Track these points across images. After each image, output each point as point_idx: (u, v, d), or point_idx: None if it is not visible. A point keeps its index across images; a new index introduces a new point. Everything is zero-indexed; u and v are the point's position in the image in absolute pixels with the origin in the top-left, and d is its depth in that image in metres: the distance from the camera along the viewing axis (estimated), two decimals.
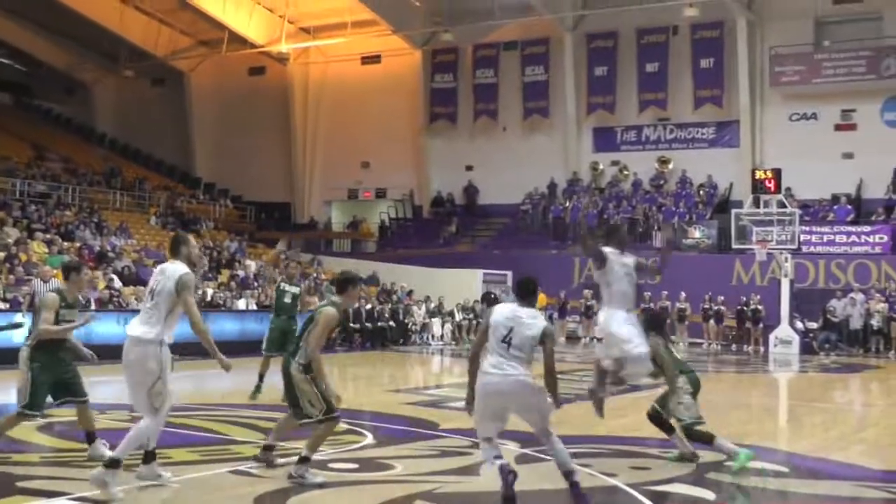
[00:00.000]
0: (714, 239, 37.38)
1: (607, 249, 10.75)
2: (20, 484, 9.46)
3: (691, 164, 40.71)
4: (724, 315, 35.11)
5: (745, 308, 34.48)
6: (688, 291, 35.22)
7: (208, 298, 29.62)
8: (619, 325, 10.49)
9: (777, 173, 33.09)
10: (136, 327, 9.33)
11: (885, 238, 35.05)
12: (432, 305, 36.30)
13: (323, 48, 46.87)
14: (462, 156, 45.21)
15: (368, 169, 47.38)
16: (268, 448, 10.32)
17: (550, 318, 37.41)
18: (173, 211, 42.40)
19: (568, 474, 9.07)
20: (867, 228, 35.75)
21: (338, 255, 43.88)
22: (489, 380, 8.90)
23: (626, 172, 42.50)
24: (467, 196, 45.25)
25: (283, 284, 17.23)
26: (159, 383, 9.17)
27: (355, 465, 10.69)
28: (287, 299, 16.61)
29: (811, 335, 33.36)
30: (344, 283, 10.26)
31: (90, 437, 10.63)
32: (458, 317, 36.13)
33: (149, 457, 9.56)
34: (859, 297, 33.18)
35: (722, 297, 35.00)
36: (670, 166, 41.58)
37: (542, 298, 36.98)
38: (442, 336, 35.41)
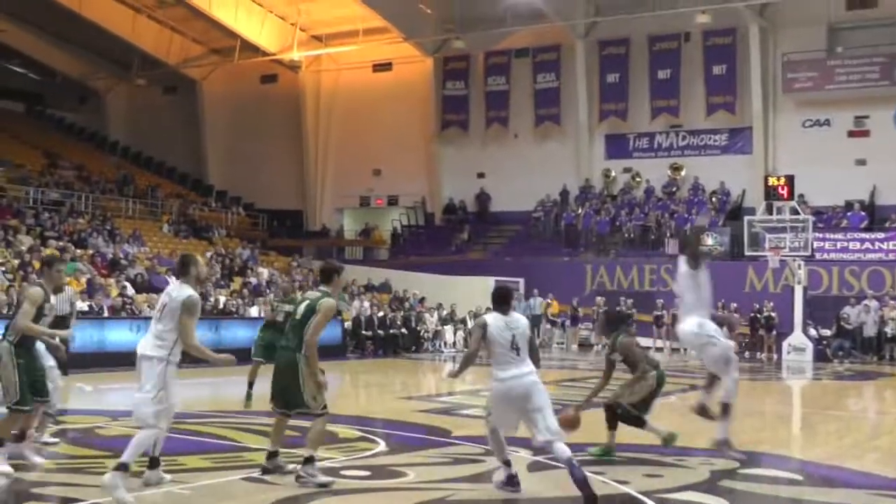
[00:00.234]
0: (727, 246, 37.27)
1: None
2: (35, 490, 9.49)
3: (704, 170, 40.61)
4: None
5: (758, 315, 34.40)
6: None
7: (221, 306, 29.66)
8: (714, 328, 10.90)
9: (790, 180, 32.99)
10: (145, 344, 9.49)
11: None
12: (444, 313, 36.29)
13: (334, 56, 46.91)
14: (474, 163, 45.19)
15: (380, 176, 47.38)
16: (272, 455, 10.30)
17: (563, 325, 37.49)
18: (186, 218, 42.46)
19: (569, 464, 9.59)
20: (881, 235, 35.64)
21: (350, 262, 43.80)
22: (512, 384, 9.62)
23: (638, 179, 42.44)
24: (479, 203, 45.22)
25: (276, 303, 17.27)
26: (161, 393, 9.27)
27: (368, 473, 10.67)
28: (280, 318, 16.60)
29: (825, 342, 33.25)
30: (330, 273, 10.44)
31: (20, 437, 10.30)
32: (471, 324, 36.05)
33: (154, 462, 9.77)
34: (873, 304, 33.08)
35: (735, 305, 34.88)
36: (683, 173, 41.50)
37: (554, 306, 37.04)
38: (454, 343, 35.38)
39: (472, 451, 12.03)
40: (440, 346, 34.96)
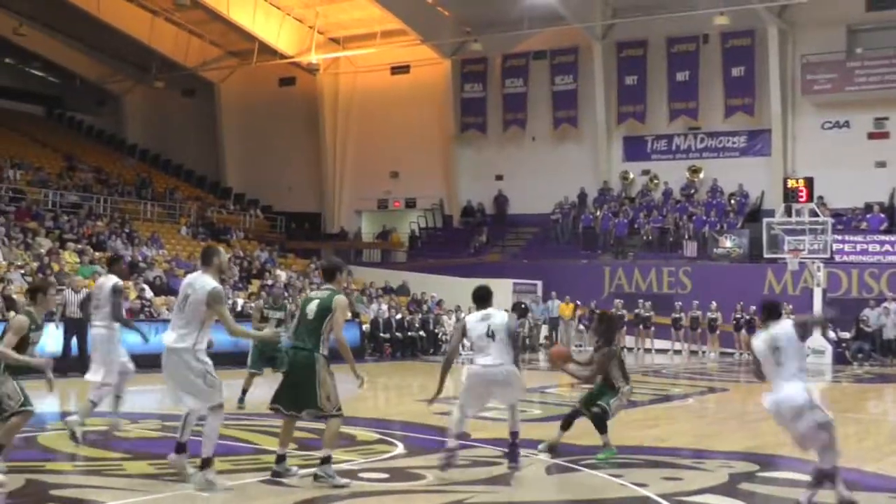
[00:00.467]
0: (745, 248, 37.18)
1: None
2: (54, 492, 9.53)
3: (722, 172, 40.50)
4: (755, 325, 34.86)
5: None
6: (719, 301, 35.09)
7: (238, 308, 29.69)
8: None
9: (809, 182, 32.86)
10: (171, 337, 9.72)
11: None
12: (462, 315, 36.19)
13: (352, 58, 46.97)
14: (492, 165, 45.17)
15: (398, 179, 47.41)
16: (280, 459, 10.28)
17: (586, 327, 37.42)
18: (204, 221, 42.56)
19: (513, 434, 11.18)
20: None
21: (368, 265, 43.91)
22: (490, 370, 11.00)
23: (656, 182, 42.35)
24: (497, 206, 45.18)
25: (266, 310, 17.34)
26: (209, 377, 9.64)
27: (386, 475, 10.67)
28: (274, 325, 16.66)
29: (844, 345, 33.11)
30: (333, 271, 10.65)
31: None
32: None
33: (180, 448, 9.93)
34: (893, 306, 32.92)
35: (754, 307, 34.77)
36: (701, 175, 41.40)
37: (570, 308, 36.97)
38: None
39: (489, 453, 12.02)
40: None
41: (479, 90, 45.34)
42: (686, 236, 38.96)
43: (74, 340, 21.73)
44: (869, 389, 25.57)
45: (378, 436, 13.27)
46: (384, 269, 42.35)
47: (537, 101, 44.03)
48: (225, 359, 16.70)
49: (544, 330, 38.16)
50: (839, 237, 34.90)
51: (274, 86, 49.49)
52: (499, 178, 45.08)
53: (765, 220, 34.63)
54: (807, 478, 11.16)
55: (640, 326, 36.51)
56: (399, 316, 33.27)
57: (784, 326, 9.37)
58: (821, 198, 35.53)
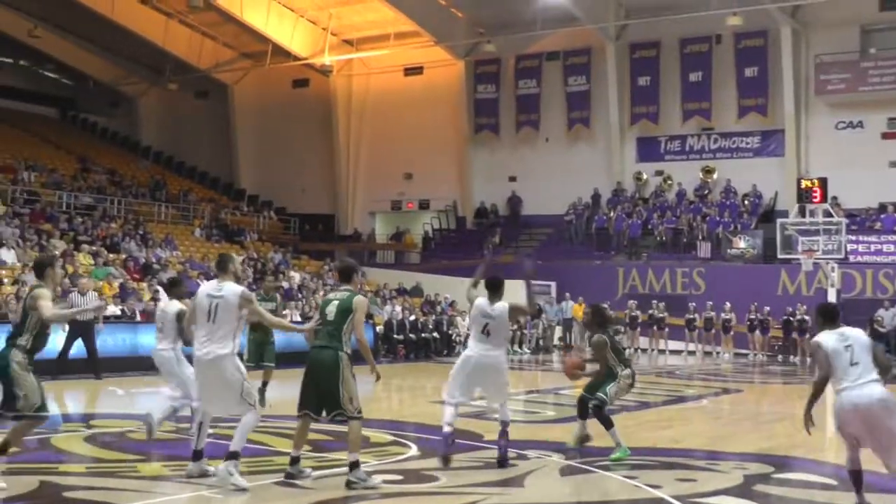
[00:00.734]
0: (759, 249, 37.10)
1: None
2: (67, 494, 9.54)
3: (736, 173, 40.41)
4: (769, 325, 34.89)
5: (791, 318, 34.23)
6: (733, 302, 35.04)
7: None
8: None
9: (823, 182, 32.75)
10: (205, 349, 9.87)
11: None
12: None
13: (366, 60, 47.00)
14: (505, 166, 45.15)
15: (411, 180, 47.40)
16: (294, 461, 10.30)
17: None
18: (218, 223, 42.62)
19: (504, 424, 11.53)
20: None
21: (381, 266, 43.92)
22: (479, 358, 11.51)
23: (669, 182, 42.28)
24: (510, 207, 45.15)
25: (259, 301, 17.26)
26: (246, 384, 9.87)
27: (399, 477, 10.68)
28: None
29: (868, 337, 32.95)
30: (350, 271, 10.82)
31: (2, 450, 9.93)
32: None
33: (197, 455, 10.13)
34: None
35: (768, 308, 34.78)
36: (715, 176, 41.31)
37: (576, 309, 36.91)
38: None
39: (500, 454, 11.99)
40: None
41: (493, 91, 45.32)
42: (700, 237, 38.89)
43: (80, 342, 21.78)
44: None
45: (392, 437, 13.28)
46: (398, 270, 42.36)
47: (550, 102, 43.99)
48: (280, 357, 16.87)
49: (558, 331, 38.17)
50: (853, 237, 34.80)
51: (287, 87, 49.55)
52: (512, 179, 45.05)
53: (778, 220, 34.54)
54: (822, 479, 11.15)
55: (654, 327, 36.47)
56: (413, 317, 33.29)
57: (850, 328, 9.42)
58: (835, 198, 35.43)
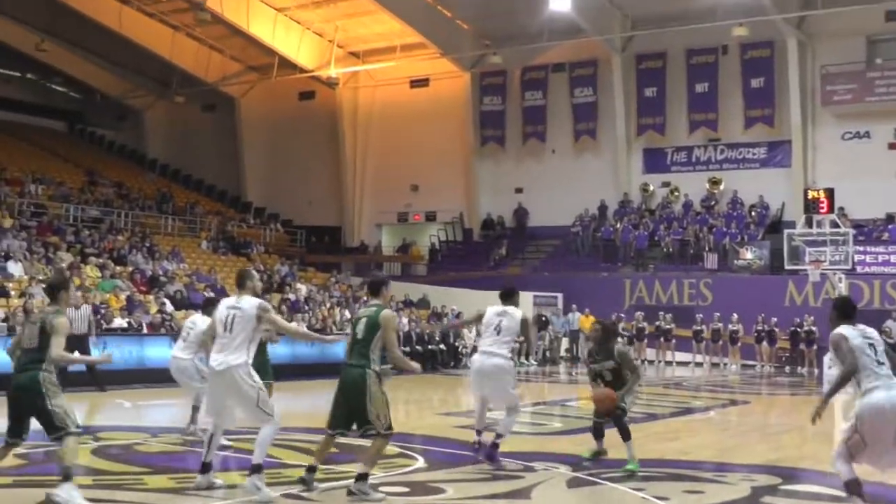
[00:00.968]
0: (766, 260, 37.07)
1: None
2: None
3: (742, 184, 40.39)
4: (777, 336, 34.84)
5: (798, 329, 34.18)
6: (740, 313, 35.00)
7: None
8: None
9: (830, 193, 32.66)
10: (219, 358, 9.96)
11: None
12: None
13: (372, 72, 47.08)
14: (511, 178, 45.17)
15: (418, 192, 47.43)
16: (311, 470, 10.25)
17: None
18: (224, 235, 42.64)
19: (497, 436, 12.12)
20: None
21: (388, 278, 43.87)
22: (483, 359, 12.23)
23: (676, 193, 42.25)
24: (517, 218, 45.16)
25: None
26: (262, 394, 9.91)
27: (406, 489, 10.65)
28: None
29: (885, 341, 32.86)
30: (379, 286, 10.82)
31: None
32: None
33: (205, 467, 10.14)
34: None
35: (775, 319, 34.74)
36: (721, 187, 41.28)
37: (591, 321, 36.87)
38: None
39: (510, 466, 11.98)
40: None
41: (499, 103, 45.35)
42: (706, 248, 38.85)
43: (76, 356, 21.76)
44: None
45: (398, 449, 13.23)
46: (404, 282, 42.34)
47: (557, 114, 44.01)
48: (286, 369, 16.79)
49: (565, 343, 38.14)
50: (860, 248, 34.75)
51: (294, 100, 49.64)
52: (518, 190, 45.06)
53: (785, 231, 34.45)
54: (830, 491, 11.11)
55: (661, 339, 36.44)
56: (419, 329, 33.28)
57: (867, 327, 9.22)
58: (842, 209, 35.38)
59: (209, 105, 52.02)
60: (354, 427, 10.12)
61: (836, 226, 32.77)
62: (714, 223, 39.82)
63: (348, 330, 17.13)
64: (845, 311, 9.35)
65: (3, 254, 29.56)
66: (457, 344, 34.22)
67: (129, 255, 34.07)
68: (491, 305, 12.67)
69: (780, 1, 37.25)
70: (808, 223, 32.85)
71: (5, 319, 23.68)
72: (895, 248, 35.54)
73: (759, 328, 34.78)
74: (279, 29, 44.34)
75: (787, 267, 33.75)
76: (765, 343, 34.79)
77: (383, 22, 42.62)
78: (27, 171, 40.50)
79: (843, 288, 32.17)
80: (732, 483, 11.49)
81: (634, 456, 11.93)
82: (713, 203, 41.20)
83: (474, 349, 34.85)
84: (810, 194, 33.22)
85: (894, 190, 37.23)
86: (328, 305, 34.73)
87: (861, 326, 9.11)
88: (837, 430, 9.02)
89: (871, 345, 8.92)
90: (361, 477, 9.93)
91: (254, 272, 10.76)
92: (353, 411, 10.04)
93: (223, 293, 32.27)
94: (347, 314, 34.23)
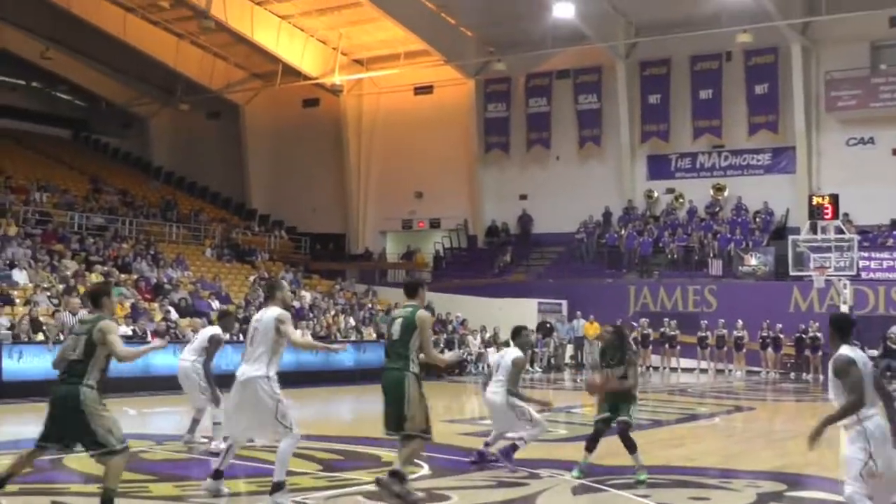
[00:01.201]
0: (771, 266, 37.02)
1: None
2: None
3: (747, 190, 40.37)
4: (782, 343, 34.80)
5: (803, 336, 34.14)
6: (745, 319, 34.97)
7: None
8: None
9: (834, 199, 32.68)
10: (243, 369, 10.05)
11: None
12: (487, 335, 36.21)
13: (376, 79, 47.10)
14: (516, 185, 45.16)
15: (422, 199, 47.42)
16: (393, 474, 10.11)
17: None
18: (229, 243, 42.67)
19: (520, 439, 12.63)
20: None
21: (393, 285, 43.87)
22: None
23: (681, 200, 42.22)
24: (521, 225, 45.14)
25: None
26: (281, 405, 9.83)
27: None
28: None
29: (872, 362, 32.79)
30: (415, 287, 10.75)
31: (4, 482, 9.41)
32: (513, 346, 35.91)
33: (217, 474, 10.17)
34: None
35: (780, 325, 34.69)
36: (726, 193, 41.26)
37: (595, 327, 36.87)
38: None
39: (515, 473, 11.97)
40: (483, 368, 34.86)
41: (503, 110, 45.36)
42: (711, 254, 38.82)
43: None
44: None
45: None
46: None
47: (561, 121, 44.01)
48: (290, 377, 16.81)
49: (569, 349, 38.12)
50: (865, 254, 34.70)
51: (298, 107, 49.68)
52: (523, 197, 45.04)
53: (790, 237, 34.47)
54: (836, 497, 11.08)
55: (666, 345, 36.40)
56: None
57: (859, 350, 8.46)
58: (846, 215, 35.36)
59: (214, 112, 52.07)
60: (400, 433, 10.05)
61: (841, 232, 32.77)
62: (718, 229, 39.79)
63: (353, 336, 17.13)
64: (845, 329, 8.52)
65: (7, 262, 29.60)
66: (461, 351, 34.20)
67: (134, 263, 34.10)
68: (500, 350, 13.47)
69: (784, 7, 37.25)
70: (813, 229, 32.86)
71: (11, 327, 23.70)
72: None
73: (764, 334, 34.74)
74: (283, 36, 44.40)
75: (791, 273, 33.77)
76: (770, 349, 34.76)
77: (387, 29, 42.65)
78: (32, 179, 40.56)
79: (847, 294, 32.17)
80: (738, 489, 11.49)
81: (643, 465, 11.88)
82: (717, 209, 41.18)
83: (479, 356, 35.09)
84: (815, 200, 33.24)
85: None
86: (333, 313, 34.73)
87: (858, 347, 8.44)
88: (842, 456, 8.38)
89: (867, 373, 8.30)
90: (393, 474, 9.84)
91: (283, 283, 10.78)
92: (392, 414, 10.04)
93: (227, 300, 32.33)
94: (352, 321, 34.27)
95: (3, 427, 17.96)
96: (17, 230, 33.20)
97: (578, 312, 37.56)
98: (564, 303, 38.77)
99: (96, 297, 9.57)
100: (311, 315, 33.44)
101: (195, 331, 22.26)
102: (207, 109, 51.53)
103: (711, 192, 41.47)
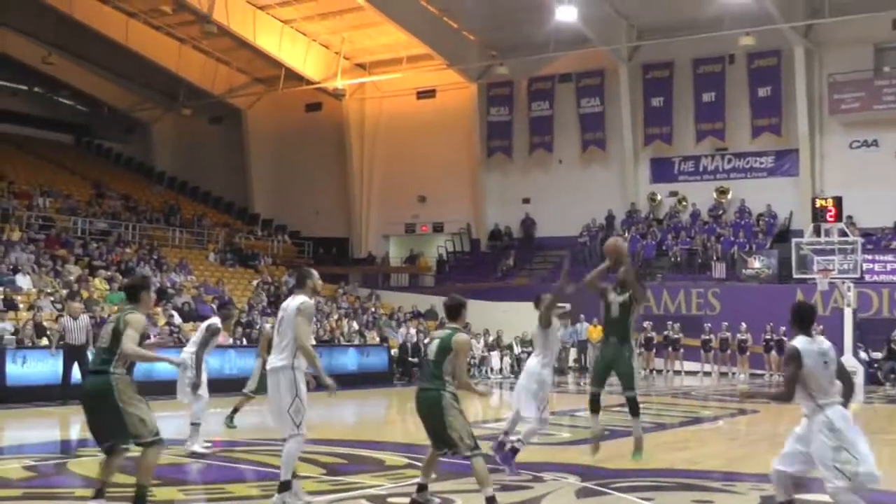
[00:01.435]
0: (774, 269, 36.98)
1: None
2: None
3: (750, 193, 40.34)
4: (785, 346, 34.60)
5: None
6: (748, 322, 34.93)
7: (266, 332, 29.73)
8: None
9: (838, 201, 32.64)
10: (271, 360, 9.94)
11: None
12: (491, 339, 36.21)
13: (378, 83, 47.12)
14: (518, 189, 45.16)
15: (425, 203, 47.42)
16: (422, 488, 10.12)
17: None
18: (232, 247, 42.68)
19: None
20: None
21: (396, 289, 43.95)
22: None
23: (684, 203, 42.21)
24: (524, 229, 45.15)
25: (269, 329, 16.88)
26: (297, 401, 9.68)
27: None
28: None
29: (876, 365, 32.86)
30: (457, 309, 10.39)
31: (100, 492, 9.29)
32: (517, 350, 36.00)
33: (284, 486, 9.82)
34: None
35: (783, 328, 34.55)
36: (729, 196, 41.23)
37: (599, 330, 36.81)
38: (501, 369, 35.31)
39: (519, 477, 11.94)
40: (486, 372, 34.87)
41: (506, 114, 45.37)
42: (714, 257, 38.80)
43: (76, 367, 21.72)
44: None
45: (407, 460, 13.23)
46: (412, 293, 42.37)
47: (564, 124, 44.01)
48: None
49: (573, 353, 38.09)
50: (869, 257, 34.67)
51: (300, 112, 49.71)
52: (526, 201, 45.05)
53: (794, 240, 34.45)
54: None
55: (670, 349, 36.40)
56: (427, 340, 33.18)
57: (824, 340, 8.50)
58: (850, 217, 35.32)
59: (216, 117, 52.11)
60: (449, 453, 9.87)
61: (845, 234, 32.73)
62: (722, 232, 39.78)
63: (356, 340, 17.10)
64: (804, 319, 8.50)
65: (11, 267, 29.61)
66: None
67: (137, 268, 34.08)
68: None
69: (787, 9, 37.24)
70: (817, 232, 32.83)
71: (14, 332, 23.70)
72: None
73: (768, 337, 34.69)
74: (285, 41, 44.43)
75: (795, 276, 33.71)
76: (773, 352, 34.68)
77: (389, 33, 42.67)
78: (35, 185, 40.58)
79: (851, 297, 32.13)
80: (741, 493, 11.46)
81: (641, 439, 12.18)
82: (721, 212, 41.16)
83: (482, 359, 35.10)
84: (818, 203, 33.19)
85: None
86: (336, 317, 34.71)
87: (819, 340, 8.44)
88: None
89: (825, 363, 8.29)
90: (490, 501, 9.56)
91: (313, 271, 10.42)
92: (436, 434, 9.82)
93: (230, 304, 32.30)
94: (355, 325, 34.25)
95: (7, 432, 17.96)
96: (21, 235, 33.24)
97: (582, 316, 37.50)
98: (567, 306, 38.61)
99: (135, 291, 9.43)
100: (314, 319, 33.38)
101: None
102: (210, 114, 51.57)
103: (715, 194, 41.46)
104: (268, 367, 9.94)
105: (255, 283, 37.63)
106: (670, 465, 13.32)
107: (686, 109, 41.56)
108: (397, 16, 40.99)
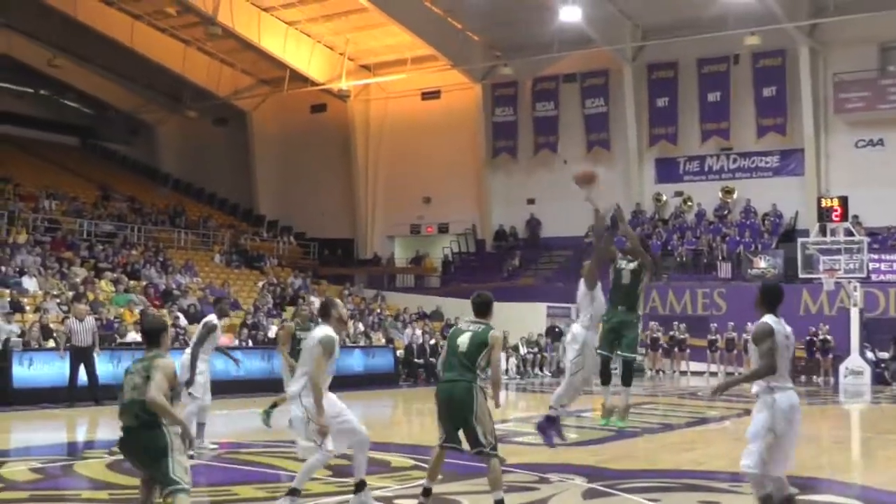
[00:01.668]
0: (780, 268, 36.91)
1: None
2: None
3: (755, 193, 40.30)
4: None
5: (814, 338, 34.02)
6: (754, 322, 34.78)
7: (271, 335, 29.76)
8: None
9: (843, 201, 32.62)
10: (289, 386, 10.18)
11: None
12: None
13: (383, 84, 47.12)
14: (523, 189, 45.14)
15: (430, 204, 47.43)
16: (426, 493, 10.04)
17: None
18: (237, 249, 42.72)
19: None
20: None
21: (401, 290, 43.95)
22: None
23: (689, 203, 42.16)
24: (530, 229, 45.14)
25: (297, 332, 16.41)
26: (311, 425, 9.54)
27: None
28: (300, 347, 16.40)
29: (883, 365, 32.82)
30: (489, 305, 10.61)
31: None
32: (523, 350, 35.97)
33: (360, 486, 9.97)
34: None
35: (790, 328, 34.48)
36: (734, 196, 41.19)
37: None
38: (507, 370, 35.26)
39: (525, 478, 11.94)
40: (488, 372, 34.80)
41: (510, 114, 45.35)
42: (720, 257, 38.77)
43: (82, 369, 21.75)
44: None
45: (413, 462, 13.22)
46: (418, 294, 42.37)
47: (568, 124, 43.98)
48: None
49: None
50: (875, 256, 34.62)
51: (305, 113, 49.72)
52: (531, 201, 45.03)
53: (799, 240, 34.42)
54: (848, 501, 11.05)
55: (676, 349, 36.37)
56: (433, 341, 33.25)
57: (787, 325, 8.80)
58: (856, 217, 35.29)
59: (221, 119, 52.11)
60: (466, 446, 9.77)
61: (851, 234, 32.72)
62: (727, 232, 39.74)
63: (362, 342, 17.06)
64: (772, 299, 8.97)
65: (17, 269, 29.66)
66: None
67: (143, 270, 34.14)
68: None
69: (791, 9, 37.18)
70: (822, 231, 32.83)
71: (21, 334, 23.73)
72: None
73: None
74: (290, 42, 44.44)
75: (801, 276, 33.69)
76: None
77: (394, 34, 42.67)
78: (40, 187, 40.62)
79: (857, 297, 32.10)
80: (748, 493, 11.42)
81: (627, 408, 12.74)
82: (726, 212, 41.11)
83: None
84: (824, 202, 33.21)
85: None
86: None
87: (783, 322, 8.76)
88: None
89: (787, 346, 8.72)
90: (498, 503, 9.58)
91: (337, 301, 10.35)
92: (459, 427, 9.72)
93: (236, 306, 32.33)
94: (361, 326, 34.24)
95: (14, 434, 17.97)
96: (27, 238, 33.30)
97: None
98: (573, 307, 38.55)
99: (157, 335, 8.66)
100: (319, 320, 33.34)
101: None
102: (215, 116, 51.58)
103: (720, 194, 41.41)
104: (286, 392, 10.09)
105: (260, 284, 37.64)
106: (677, 465, 13.31)
107: (691, 109, 41.53)
108: (401, 17, 40.99)
